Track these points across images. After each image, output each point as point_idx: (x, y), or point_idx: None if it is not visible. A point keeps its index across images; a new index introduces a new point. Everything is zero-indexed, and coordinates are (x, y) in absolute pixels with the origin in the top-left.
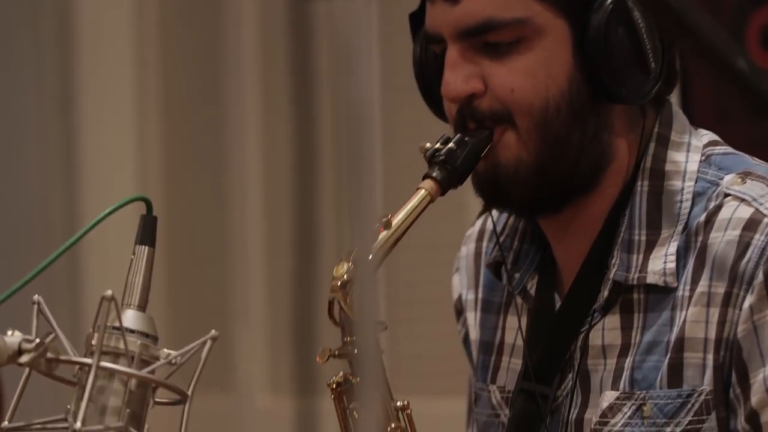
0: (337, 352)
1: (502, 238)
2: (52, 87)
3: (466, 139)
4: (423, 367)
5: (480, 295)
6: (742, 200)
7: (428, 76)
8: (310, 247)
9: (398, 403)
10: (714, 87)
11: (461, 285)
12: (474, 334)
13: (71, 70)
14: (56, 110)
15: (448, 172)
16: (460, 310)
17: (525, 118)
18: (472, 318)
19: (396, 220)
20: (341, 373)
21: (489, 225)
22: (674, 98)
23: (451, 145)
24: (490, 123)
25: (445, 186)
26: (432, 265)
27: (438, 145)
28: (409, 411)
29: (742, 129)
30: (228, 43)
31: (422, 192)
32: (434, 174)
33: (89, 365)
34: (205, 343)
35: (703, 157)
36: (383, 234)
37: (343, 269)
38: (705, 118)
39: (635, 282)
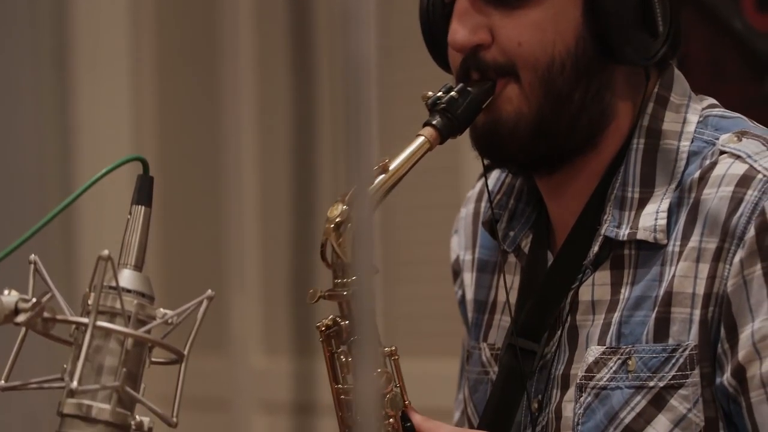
0: (327, 294)
1: (498, 197)
2: (47, 47)
3: (469, 89)
4: (418, 328)
5: (477, 255)
6: (737, 157)
7: (434, 25)
8: (307, 208)
9: (386, 349)
10: (710, 47)
11: (459, 246)
12: (470, 294)
13: (66, 30)
14: (51, 71)
15: (449, 120)
16: (457, 272)
17: (529, 73)
18: (469, 278)
19: (393, 165)
20: (330, 316)
21: (490, 184)
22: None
23: (453, 93)
24: (493, 75)
25: (445, 134)
26: (427, 226)
27: (440, 93)
28: (396, 357)
29: (738, 89)
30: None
31: (421, 139)
32: (435, 122)
33: (85, 325)
34: (201, 302)
35: (700, 119)
36: (380, 177)
37: (337, 211)
38: (700, 79)
39: (626, 238)
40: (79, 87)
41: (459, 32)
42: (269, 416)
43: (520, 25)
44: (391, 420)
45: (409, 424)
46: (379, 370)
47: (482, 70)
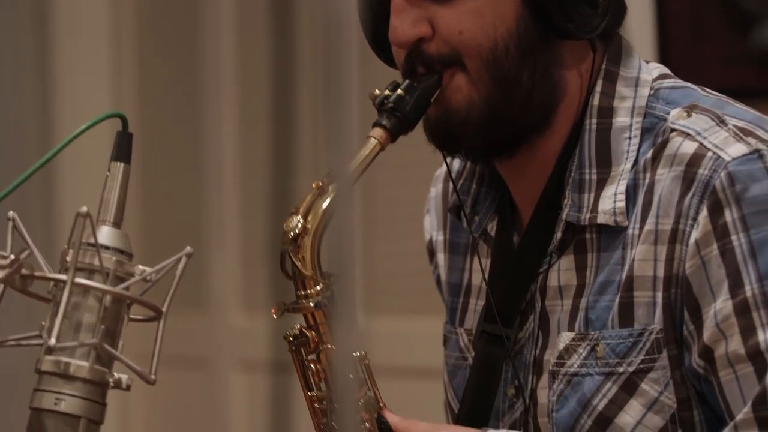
0: (291, 307)
1: (461, 181)
2: (27, 4)
3: (415, 84)
4: (400, 286)
5: (448, 237)
6: (687, 135)
7: (375, 23)
8: (287, 165)
9: (356, 354)
10: (690, 4)
11: (431, 227)
12: (443, 275)
13: None
14: (30, 28)
15: (398, 119)
16: (431, 252)
17: (474, 60)
18: (442, 259)
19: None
20: (297, 326)
21: (454, 166)
22: (650, 15)
23: (399, 91)
24: (439, 67)
25: (395, 134)
26: (408, 183)
27: (387, 92)
28: (367, 362)
29: (719, 46)
30: None
31: (372, 141)
32: (383, 122)
33: (64, 281)
34: (180, 259)
35: (651, 92)
36: (333, 185)
37: (293, 223)
38: (681, 35)
39: (587, 222)
40: (58, 44)
41: (398, 28)
42: (248, 374)
43: (459, 13)
44: (366, 424)
45: (385, 425)
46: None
47: (427, 64)
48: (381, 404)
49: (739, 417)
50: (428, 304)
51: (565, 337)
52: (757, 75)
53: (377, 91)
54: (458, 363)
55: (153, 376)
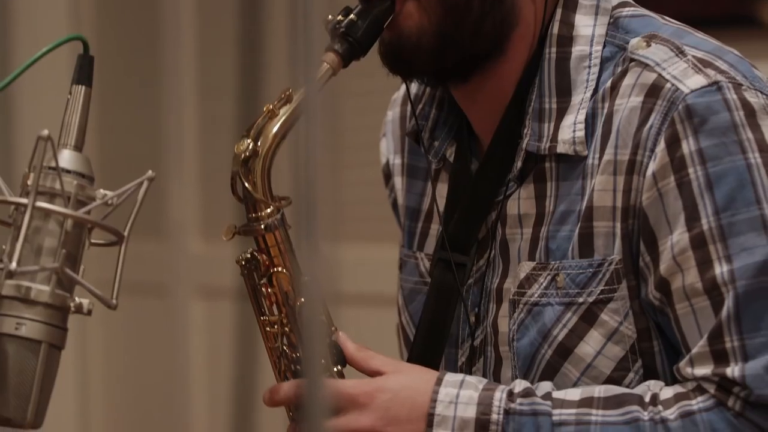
0: (242, 229)
1: (420, 106)
2: None
3: (368, 10)
4: (366, 213)
5: (406, 161)
6: (645, 65)
7: None
8: (250, 90)
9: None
10: None
11: (388, 150)
12: (401, 199)
13: None
14: None
15: (350, 44)
16: (388, 175)
17: None
18: (399, 183)
19: (297, 95)
20: (249, 250)
21: (412, 89)
22: None
23: (352, 16)
24: None
25: (346, 59)
26: (374, 110)
27: (339, 17)
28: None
29: None
30: None
31: (324, 66)
32: (336, 47)
33: (25, 205)
34: (141, 183)
35: (611, 20)
36: (285, 108)
37: (243, 145)
38: None
39: (546, 152)
40: None
41: None
42: (207, 301)
43: None
44: None
45: (339, 354)
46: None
47: None
48: (333, 328)
49: (694, 351)
50: (389, 231)
51: (526, 267)
52: (717, 2)
53: (330, 16)
54: (416, 288)
55: (114, 301)
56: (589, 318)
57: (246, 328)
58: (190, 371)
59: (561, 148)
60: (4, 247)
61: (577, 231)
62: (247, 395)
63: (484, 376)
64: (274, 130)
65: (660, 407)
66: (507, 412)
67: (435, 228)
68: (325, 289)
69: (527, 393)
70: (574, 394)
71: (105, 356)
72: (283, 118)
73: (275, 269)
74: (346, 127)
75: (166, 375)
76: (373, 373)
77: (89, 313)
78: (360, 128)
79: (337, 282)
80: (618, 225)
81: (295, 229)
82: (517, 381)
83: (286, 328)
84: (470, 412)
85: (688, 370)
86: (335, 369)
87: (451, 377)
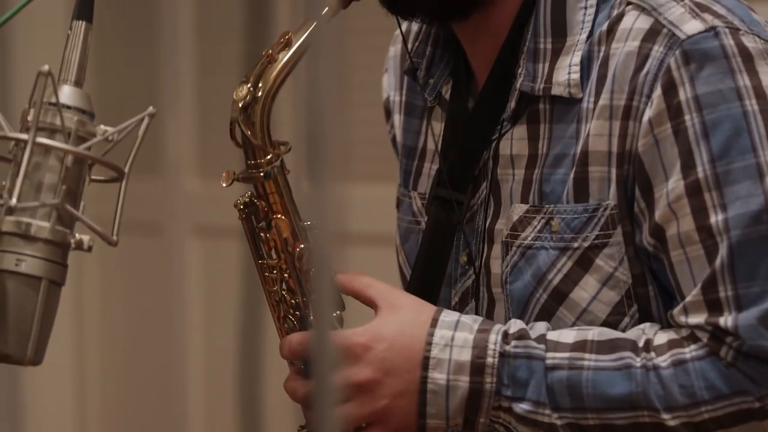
0: (241, 176)
1: (416, 44)
2: None
3: None
4: (373, 152)
5: (404, 98)
6: (642, 9)
7: None
8: (247, 29)
9: (306, 223)
10: None
11: (389, 86)
12: (399, 137)
13: None
14: None
15: None
16: (388, 111)
17: None
18: (398, 120)
19: (298, 39)
20: (247, 194)
21: (414, 26)
22: None
23: None
24: None
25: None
26: (381, 48)
27: None
28: None
29: None
30: None
31: (324, 9)
32: None
33: (25, 141)
34: (142, 120)
35: None
36: (283, 53)
37: (242, 92)
38: None
39: (541, 93)
40: None
41: None
42: (202, 240)
43: None
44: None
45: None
46: (301, 246)
47: None
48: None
49: (688, 299)
50: (396, 171)
51: (519, 209)
52: None
53: None
54: (410, 227)
55: (115, 238)
56: (584, 263)
57: (239, 267)
58: (186, 309)
59: (556, 90)
60: (4, 183)
61: (571, 176)
62: (249, 331)
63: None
64: (273, 75)
65: (653, 354)
66: (502, 355)
67: (428, 167)
68: (332, 230)
69: (522, 335)
70: (568, 336)
71: (101, 294)
72: (282, 62)
73: (274, 216)
74: (353, 65)
75: (162, 313)
76: (368, 303)
77: (89, 249)
78: (367, 66)
79: (346, 221)
80: (613, 170)
81: (302, 169)
82: (512, 321)
83: (285, 274)
84: (465, 355)
85: (682, 318)
86: (334, 314)
87: (446, 317)
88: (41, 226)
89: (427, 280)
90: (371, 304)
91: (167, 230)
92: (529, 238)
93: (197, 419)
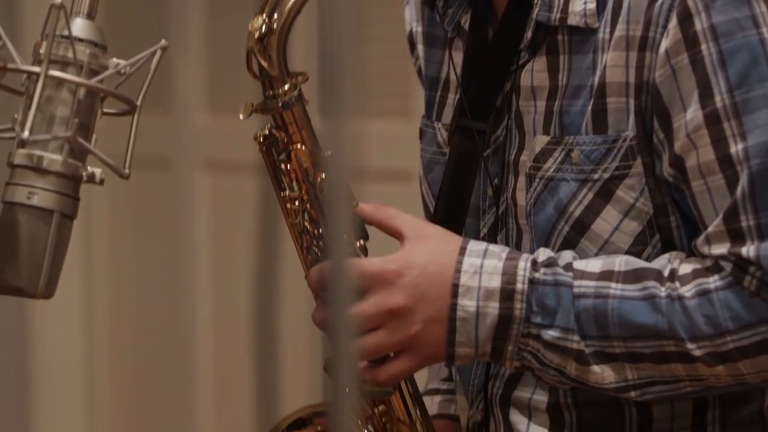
0: (259, 107)
1: None
2: None
3: None
4: (391, 87)
5: (425, 29)
6: None
7: None
8: None
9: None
10: None
11: (411, 18)
12: (423, 68)
13: None
14: None
15: None
16: (412, 43)
17: None
18: (421, 51)
19: None
20: (267, 126)
21: None
22: None
23: None
24: None
25: None
26: None
27: None
28: None
29: None
30: None
31: None
32: None
33: (37, 74)
34: (154, 53)
35: None
36: None
37: (258, 22)
38: None
39: (557, 23)
40: None
41: None
42: (212, 175)
43: None
44: None
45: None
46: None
47: None
48: (354, 202)
49: (710, 229)
50: (414, 106)
51: (541, 141)
52: None
53: None
54: (434, 158)
55: (127, 171)
56: (604, 194)
57: (254, 202)
58: (195, 243)
59: (572, 20)
60: (16, 116)
61: (590, 107)
62: (261, 265)
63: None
64: (289, 5)
65: (677, 283)
66: (531, 282)
67: (451, 97)
68: (349, 163)
69: (550, 263)
70: (595, 265)
71: (109, 229)
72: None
73: (294, 146)
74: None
75: (171, 247)
76: (394, 233)
77: (101, 182)
78: (384, 2)
79: (362, 157)
80: (631, 101)
81: (319, 104)
82: (541, 250)
83: (307, 205)
84: (495, 281)
85: (705, 248)
86: (358, 244)
87: (474, 246)
88: (53, 158)
89: (452, 210)
90: (397, 234)
91: (176, 165)
92: (551, 170)
93: (207, 351)
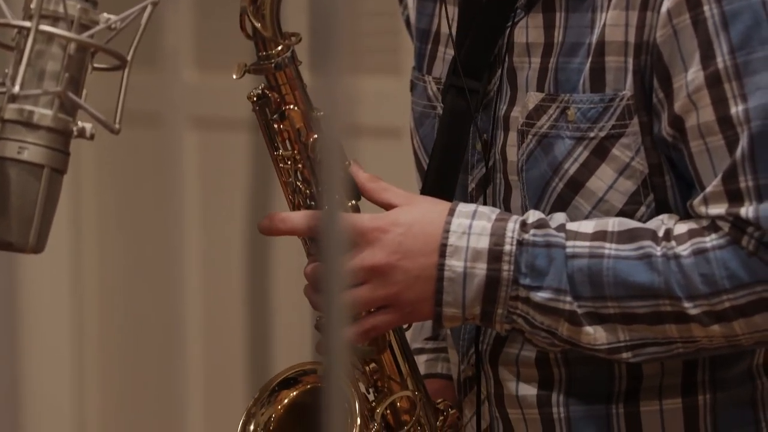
0: (252, 68)
1: None
2: None
3: None
4: (381, 44)
5: None
6: None
7: None
8: None
9: (319, 112)
10: None
11: None
12: (413, 18)
13: None
14: None
15: None
16: None
17: None
18: (411, 1)
19: None
20: (260, 87)
21: None
22: None
23: None
24: None
25: None
26: None
27: None
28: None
29: None
30: None
31: None
32: None
33: (28, 29)
34: (145, 8)
35: None
36: None
37: None
38: None
39: None
40: None
41: None
42: (200, 132)
43: None
44: None
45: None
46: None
47: None
48: (347, 161)
49: (709, 189)
50: (406, 63)
51: (534, 97)
52: None
53: None
54: (425, 111)
55: (117, 126)
56: (600, 152)
57: (236, 160)
58: (183, 199)
59: None
60: (6, 71)
61: (587, 65)
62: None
63: (494, 203)
64: None
65: (673, 242)
66: (520, 243)
67: (443, 51)
68: (342, 121)
69: (541, 224)
70: (587, 226)
71: (96, 185)
72: None
73: (287, 106)
74: None
75: (160, 203)
76: (385, 205)
77: (92, 137)
78: None
79: (355, 114)
80: (630, 60)
81: (311, 61)
82: (531, 212)
83: (299, 165)
84: (483, 242)
85: (702, 208)
86: (350, 204)
87: (463, 207)
88: (44, 113)
89: (444, 168)
90: (387, 206)
91: (165, 122)
92: (545, 127)
93: (196, 307)
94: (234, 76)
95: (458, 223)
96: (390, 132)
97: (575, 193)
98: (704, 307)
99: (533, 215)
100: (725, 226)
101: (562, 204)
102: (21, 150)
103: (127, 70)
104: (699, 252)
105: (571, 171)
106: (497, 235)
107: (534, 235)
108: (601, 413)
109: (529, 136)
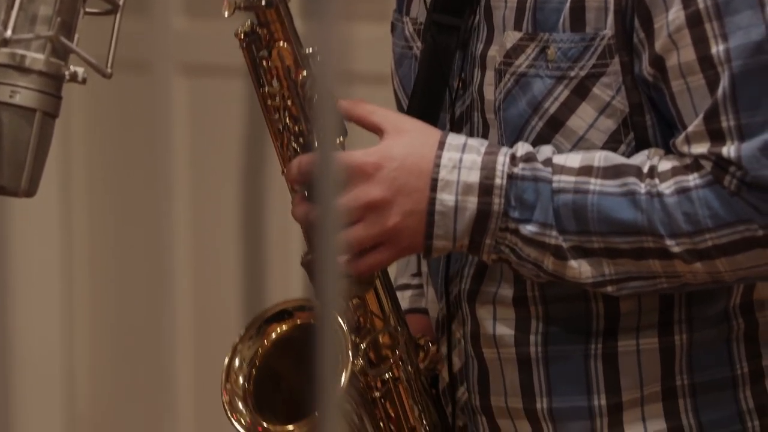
0: (242, 4)
1: None
2: None
3: None
4: None
5: None
6: None
7: None
8: None
9: (308, 50)
10: None
11: None
12: None
13: None
14: None
15: None
16: None
17: None
18: None
19: None
20: (248, 23)
21: None
22: None
23: None
24: None
25: None
26: None
27: None
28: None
29: None
30: None
31: None
32: None
33: None
34: None
35: None
36: None
37: None
38: None
39: None
40: None
41: None
42: (190, 78)
43: None
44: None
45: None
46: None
47: None
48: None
49: (690, 129)
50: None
51: (512, 36)
52: None
53: None
54: (404, 52)
55: (110, 70)
56: (580, 91)
57: (225, 106)
58: (172, 145)
59: None
60: None
61: (567, 4)
62: (247, 163)
63: None
64: None
65: (657, 180)
66: (510, 177)
67: None
68: (336, 66)
69: (529, 157)
70: (574, 160)
71: (86, 133)
72: None
73: (276, 43)
74: None
75: (149, 147)
76: (372, 128)
77: (84, 81)
78: None
79: (348, 60)
80: (610, 0)
81: (306, 7)
82: (519, 144)
83: (288, 101)
84: (474, 176)
85: (685, 147)
86: (338, 141)
87: (453, 140)
88: (36, 57)
89: (425, 106)
90: (376, 129)
91: (154, 69)
92: (524, 66)
93: (187, 249)
94: (225, 14)
95: (448, 156)
96: (381, 79)
97: (555, 132)
98: (687, 245)
99: (522, 147)
100: (707, 165)
101: (541, 142)
102: (13, 94)
103: (118, 15)
104: (682, 191)
105: (552, 110)
106: (488, 169)
107: (523, 168)
108: (578, 353)
109: (507, 75)
